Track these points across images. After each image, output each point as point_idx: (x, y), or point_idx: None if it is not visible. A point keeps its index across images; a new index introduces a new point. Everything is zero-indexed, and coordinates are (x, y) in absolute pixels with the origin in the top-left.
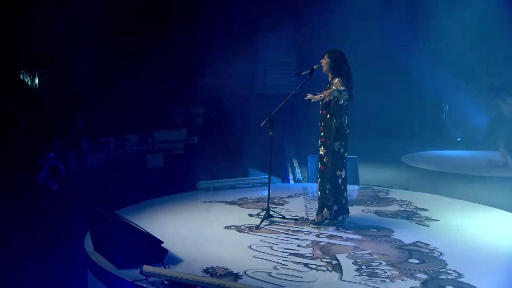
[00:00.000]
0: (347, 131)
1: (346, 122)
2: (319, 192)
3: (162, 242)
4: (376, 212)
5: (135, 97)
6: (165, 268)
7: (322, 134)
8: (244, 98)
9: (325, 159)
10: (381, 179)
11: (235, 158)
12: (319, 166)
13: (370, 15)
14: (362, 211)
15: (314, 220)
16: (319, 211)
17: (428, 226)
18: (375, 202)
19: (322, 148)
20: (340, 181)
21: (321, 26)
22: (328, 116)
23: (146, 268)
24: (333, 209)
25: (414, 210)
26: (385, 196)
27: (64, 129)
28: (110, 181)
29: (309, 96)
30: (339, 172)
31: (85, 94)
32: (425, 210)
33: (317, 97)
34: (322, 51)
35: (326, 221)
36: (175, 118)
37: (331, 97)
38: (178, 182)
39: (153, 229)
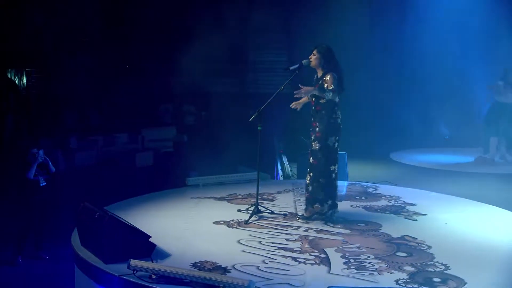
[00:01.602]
0: (341, 126)
1: (340, 117)
2: (309, 187)
3: (150, 237)
4: (365, 207)
5: (124, 96)
6: (152, 262)
7: (317, 129)
8: (234, 96)
9: (318, 154)
10: (370, 175)
11: (225, 155)
12: (311, 160)
13: (360, 10)
14: (351, 206)
15: (303, 214)
16: (310, 205)
17: (416, 220)
18: (364, 198)
19: (316, 142)
20: (334, 175)
21: (311, 24)
22: (323, 111)
23: (134, 262)
24: (327, 203)
25: (402, 205)
26: (373, 192)
27: (52, 128)
28: (99, 179)
29: (303, 90)
30: (333, 167)
31: (74, 93)
32: (413, 205)
33: (310, 88)
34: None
35: (315, 215)
36: (165, 116)
37: (320, 94)
38: (167, 179)
39: (141, 224)
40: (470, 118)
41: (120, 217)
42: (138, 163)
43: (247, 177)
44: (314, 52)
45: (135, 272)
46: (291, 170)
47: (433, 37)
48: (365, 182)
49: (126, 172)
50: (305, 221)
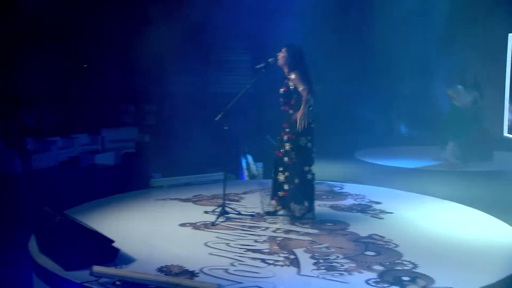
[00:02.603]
0: (312, 126)
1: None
2: (285, 186)
3: (113, 241)
4: (332, 206)
5: (84, 96)
6: (116, 268)
7: (287, 130)
8: (198, 96)
9: (292, 154)
10: (335, 174)
11: (189, 156)
12: (285, 160)
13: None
14: (318, 205)
15: (270, 210)
16: (287, 204)
17: (383, 219)
18: (330, 197)
19: (288, 144)
20: (309, 176)
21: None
22: (291, 111)
23: (97, 268)
24: (303, 204)
25: (369, 204)
26: (340, 191)
27: (7, 128)
28: (59, 182)
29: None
30: (307, 168)
31: (30, 92)
32: (379, 203)
33: (301, 111)
34: (276, 48)
35: (280, 211)
36: (126, 116)
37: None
38: (130, 180)
39: (104, 228)
40: (431, 118)
41: (81, 221)
42: (99, 165)
43: (212, 178)
44: (283, 50)
45: (98, 279)
46: (257, 170)
47: (398, 35)
48: (331, 181)
49: (87, 174)
50: (273, 217)
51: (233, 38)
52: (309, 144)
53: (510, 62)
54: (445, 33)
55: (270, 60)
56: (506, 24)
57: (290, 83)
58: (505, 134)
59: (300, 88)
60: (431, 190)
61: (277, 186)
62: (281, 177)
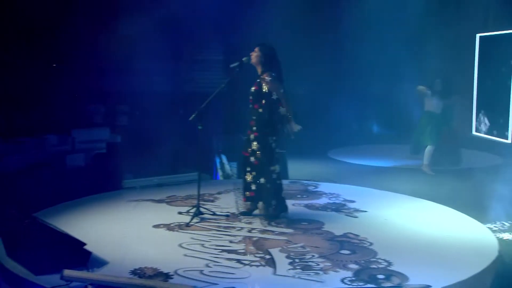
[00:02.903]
0: (278, 126)
1: (279, 116)
2: (252, 186)
3: (85, 244)
4: (306, 206)
5: (52, 96)
6: (88, 271)
7: (254, 128)
8: (170, 95)
9: (258, 154)
10: (309, 173)
11: (162, 156)
12: (252, 160)
13: (297, 8)
14: (293, 205)
15: (244, 210)
16: (254, 204)
17: (357, 217)
18: (305, 196)
19: (255, 143)
20: (275, 176)
21: (247, 22)
22: (260, 110)
23: (67, 272)
24: (271, 204)
25: (343, 203)
26: (314, 190)
27: None
28: (27, 184)
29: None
30: (273, 167)
31: None
32: (353, 202)
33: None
34: (250, 47)
35: (256, 211)
36: (97, 117)
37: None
38: (101, 182)
39: (75, 230)
40: (402, 117)
41: (51, 224)
42: (69, 166)
43: (186, 178)
44: (256, 49)
45: (69, 283)
46: (231, 170)
47: (370, 35)
48: (305, 180)
49: (56, 176)
50: (248, 217)
51: (206, 36)
52: (274, 144)
53: (477, 62)
54: (416, 33)
55: (244, 59)
56: (473, 25)
57: (264, 84)
58: (474, 132)
59: (279, 95)
60: (403, 188)
61: (245, 186)
62: (248, 177)
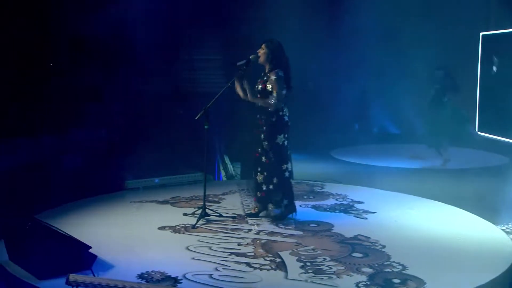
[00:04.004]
0: (289, 123)
1: (287, 114)
2: (263, 186)
3: (90, 247)
4: (314, 207)
5: (49, 95)
6: (94, 275)
7: (264, 128)
8: (170, 95)
9: (269, 153)
10: (314, 173)
11: (164, 156)
12: (263, 159)
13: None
14: (300, 206)
15: (251, 212)
16: (265, 205)
17: (367, 219)
18: (312, 197)
19: (265, 142)
20: (287, 174)
21: (247, 21)
22: (269, 108)
23: (73, 277)
24: (283, 203)
25: (351, 203)
26: (320, 190)
27: None
28: (26, 185)
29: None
30: (285, 166)
31: None
32: (361, 203)
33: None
34: (251, 46)
35: (263, 212)
36: (95, 117)
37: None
38: (101, 182)
39: (78, 233)
40: (403, 117)
41: (54, 226)
42: (66, 166)
43: (189, 179)
44: (263, 46)
45: None
46: (234, 170)
47: (372, 33)
48: (310, 180)
49: (55, 176)
50: (253, 218)
51: (205, 35)
52: (286, 142)
53: (480, 60)
54: (421, 31)
55: (251, 57)
56: (477, 23)
57: (268, 83)
58: (478, 132)
59: (274, 93)
60: (409, 188)
61: (256, 186)
62: (259, 178)
